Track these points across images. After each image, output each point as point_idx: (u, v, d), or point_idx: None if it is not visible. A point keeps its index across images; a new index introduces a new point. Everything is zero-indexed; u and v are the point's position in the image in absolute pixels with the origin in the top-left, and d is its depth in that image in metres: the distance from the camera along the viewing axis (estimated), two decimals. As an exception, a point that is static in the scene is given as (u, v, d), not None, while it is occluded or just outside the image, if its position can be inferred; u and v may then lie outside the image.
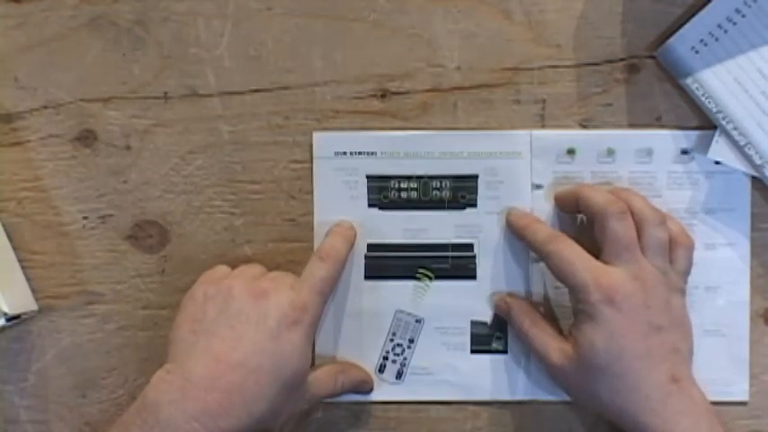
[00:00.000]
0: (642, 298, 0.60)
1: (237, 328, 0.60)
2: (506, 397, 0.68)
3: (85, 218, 0.69)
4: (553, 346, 0.63)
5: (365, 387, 0.67)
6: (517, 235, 0.66)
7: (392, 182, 0.68)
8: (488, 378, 0.68)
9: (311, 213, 0.68)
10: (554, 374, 0.64)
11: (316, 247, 0.67)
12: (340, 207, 0.68)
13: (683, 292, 0.63)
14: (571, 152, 0.67)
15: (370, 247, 0.68)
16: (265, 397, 0.59)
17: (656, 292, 0.61)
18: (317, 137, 0.68)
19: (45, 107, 0.68)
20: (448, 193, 0.67)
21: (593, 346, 0.60)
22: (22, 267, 0.68)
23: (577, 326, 0.61)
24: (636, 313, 0.60)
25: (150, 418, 0.58)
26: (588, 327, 0.60)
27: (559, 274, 0.62)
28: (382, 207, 0.68)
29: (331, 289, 0.64)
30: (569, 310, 0.67)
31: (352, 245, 0.67)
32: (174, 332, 0.62)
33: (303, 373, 0.62)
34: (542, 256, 0.63)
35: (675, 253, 0.63)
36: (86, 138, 0.68)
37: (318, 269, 0.63)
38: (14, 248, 0.68)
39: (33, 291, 0.68)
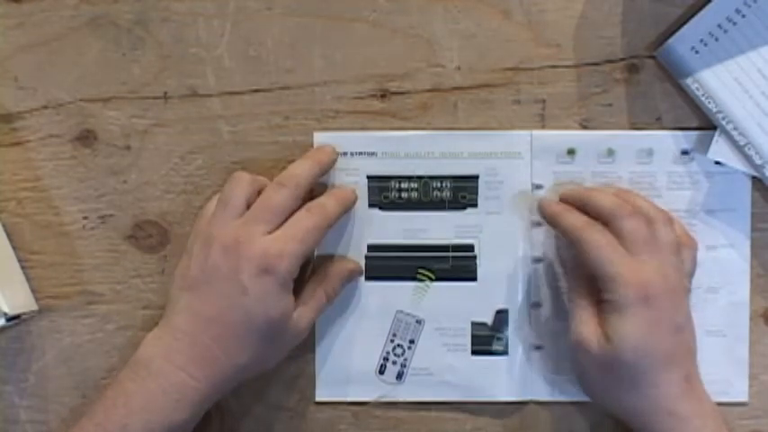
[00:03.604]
0: (670, 296, 0.60)
1: (213, 283, 0.61)
2: (507, 398, 0.68)
3: (85, 218, 0.69)
4: (589, 324, 0.62)
5: (355, 275, 0.67)
6: (549, 222, 0.65)
7: (393, 182, 0.68)
8: (489, 379, 0.68)
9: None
10: (576, 351, 0.62)
11: (318, 256, 0.68)
12: None
13: (689, 292, 0.63)
14: (571, 152, 0.67)
15: (371, 247, 0.68)
16: (246, 348, 0.61)
17: (678, 289, 0.61)
18: (318, 137, 0.68)
19: (45, 107, 0.68)
20: (448, 194, 0.67)
21: (623, 340, 0.59)
22: (22, 267, 0.68)
23: (606, 318, 0.60)
24: (665, 311, 0.60)
25: (142, 370, 0.61)
26: (618, 320, 0.59)
27: (589, 261, 0.61)
28: (383, 207, 0.68)
29: (315, 226, 0.62)
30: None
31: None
32: (170, 290, 0.64)
33: (280, 319, 0.61)
34: (573, 241, 0.62)
35: (681, 254, 0.63)
36: (86, 138, 0.68)
37: (303, 219, 0.62)
38: (14, 248, 0.68)
39: (33, 291, 0.68)
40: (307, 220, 0.62)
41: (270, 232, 0.61)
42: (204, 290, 0.61)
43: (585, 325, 0.62)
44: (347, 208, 0.66)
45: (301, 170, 0.64)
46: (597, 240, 0.61)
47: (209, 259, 0.61)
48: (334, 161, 0.67)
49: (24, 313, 0.66)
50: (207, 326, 0.61)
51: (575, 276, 0.65)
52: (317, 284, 0.65)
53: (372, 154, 0.68)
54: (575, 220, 0.63)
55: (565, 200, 0.66)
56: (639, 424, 0.61)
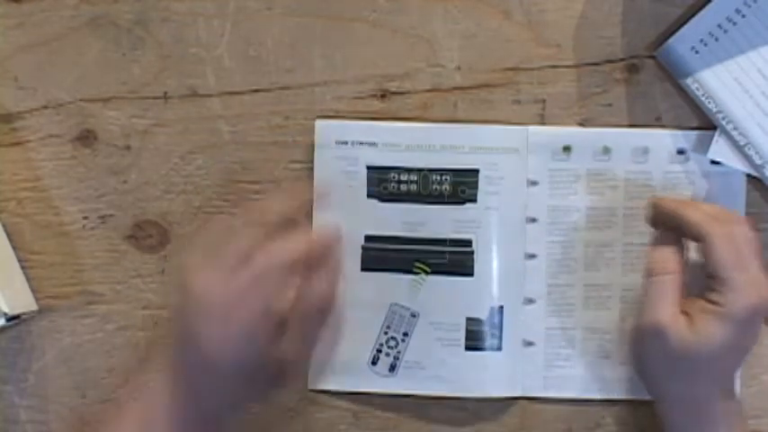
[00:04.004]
0: (762, 320, 0.60)
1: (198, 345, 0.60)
2: (499, 393, 0.68)
3: (85, 218, 0.69)
4: (671, 309, 0.60)
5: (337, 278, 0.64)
6: (668, 216, 0.62)
7: (392, 173, 0.68)
8: (481, 375, 0.67)
9: (310, 213, 0.68)
10: (647, 331, 0.61)
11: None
12: (339, 197, 0.68)
13: None
14: (567, 149, 0.67)
15: (368, 238, 0.68)
16: (227, 390, 0.61)
17: None
18: (320, 125, 0.67)
19: (45, 107, 0.68)
20: (448, 188, 0.67)
21: (711, 340, 0.58)
22: (22, 267, 0.68)
23: (700, 314, 0.59)
24: (754, 335, 0.61)
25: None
26: (713, 324, 0.58)
27: (711, 260, 0.59)
28: (382, 199, 0.68)
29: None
30: (565, 308, 0.67)
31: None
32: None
33: (248, 362, 0.60)
34: (699, 237, 0.60)
35: None
36: (86, 138, 0.68)
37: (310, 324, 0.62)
38: (14, 248, 0.68)
39: (33, 291, 0.68)
40: (313, 325, 0.62)
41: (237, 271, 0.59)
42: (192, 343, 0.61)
43: (666, 310, 0.60)
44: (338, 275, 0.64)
45: (272, 205, 0.63)
46: (723, 242, 0.59)
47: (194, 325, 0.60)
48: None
49: (24, 313, 0.66)
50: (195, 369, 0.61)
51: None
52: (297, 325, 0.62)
53: (373, 144, 0.68)
54: (701, 215, 0.60)
55: (655, 211, 0.64)
56: (673, 413, 0.61)
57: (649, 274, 0.61)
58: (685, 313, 0.60)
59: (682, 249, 0.62)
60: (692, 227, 0.60)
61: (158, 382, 0.61)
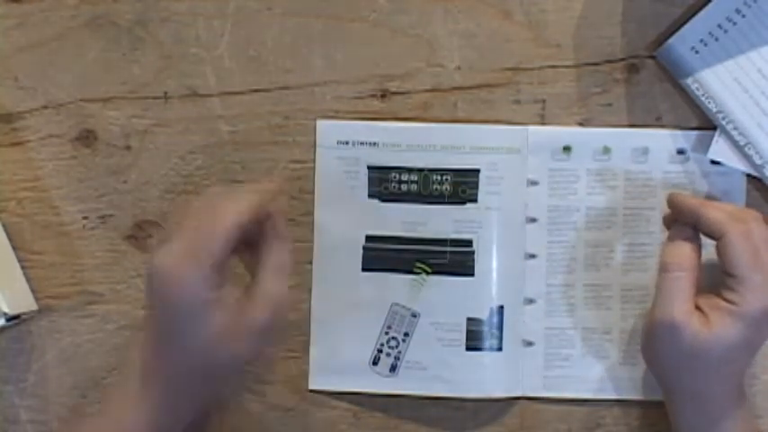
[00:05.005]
0: None
1: None
2: (500, 394, 0.68)
3: (85, 218, 0.69)
4: (685, 306, 0.60)
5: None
6: (685, 214, 0.62)
7: (393, 173, 0.68)
8: (482, 375, 0.68)
9: (311, 213, 0.68)
10: (661, 327, 0.61)
11: (315, 245, 0.68)
12: (341, 196, 0.68)
13: None
14: (567, 149, 0.67)
15: (369, 238, 0.68)
16: (210, 390, 0.62)
17: None
18: (321, 125, 0.68)
19: (45, 107, 0.68)
20: (448, 188, 0.67)
21: (725, 338, 0.59)
22: (22, 267, 0.68)
23: (715, 312, 0.59)
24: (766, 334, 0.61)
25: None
26: (728, 323, 0.59)
27: (727, 260, 0.59)
28: (382, 199, 0.68)
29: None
30: (565, 308, 0.67)
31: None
32: None
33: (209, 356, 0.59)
34: (716, 235, 0.60)
35: None
36: (86, 138, 0.68)
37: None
38: (14, 248, 0.68)
39: (33, 291, 0.68)
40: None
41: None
42: None
43: (681, 306, 0.60)
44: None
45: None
46: (741, 241, 0.59)
47: None
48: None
49: (24, 313, 0.66)
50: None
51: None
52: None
53: (374, 144, 0.68)
54: (720, 213, 0.60)
55: (673, 206, 0.64)
56: (685, 410, 0.61)
57: (664, 269, 0.61)
58: (699, 309, 0.60)
59: (698, 246, 0.62)
60: (710, 225, 0.60)
61: (125, 394, 0.60)
